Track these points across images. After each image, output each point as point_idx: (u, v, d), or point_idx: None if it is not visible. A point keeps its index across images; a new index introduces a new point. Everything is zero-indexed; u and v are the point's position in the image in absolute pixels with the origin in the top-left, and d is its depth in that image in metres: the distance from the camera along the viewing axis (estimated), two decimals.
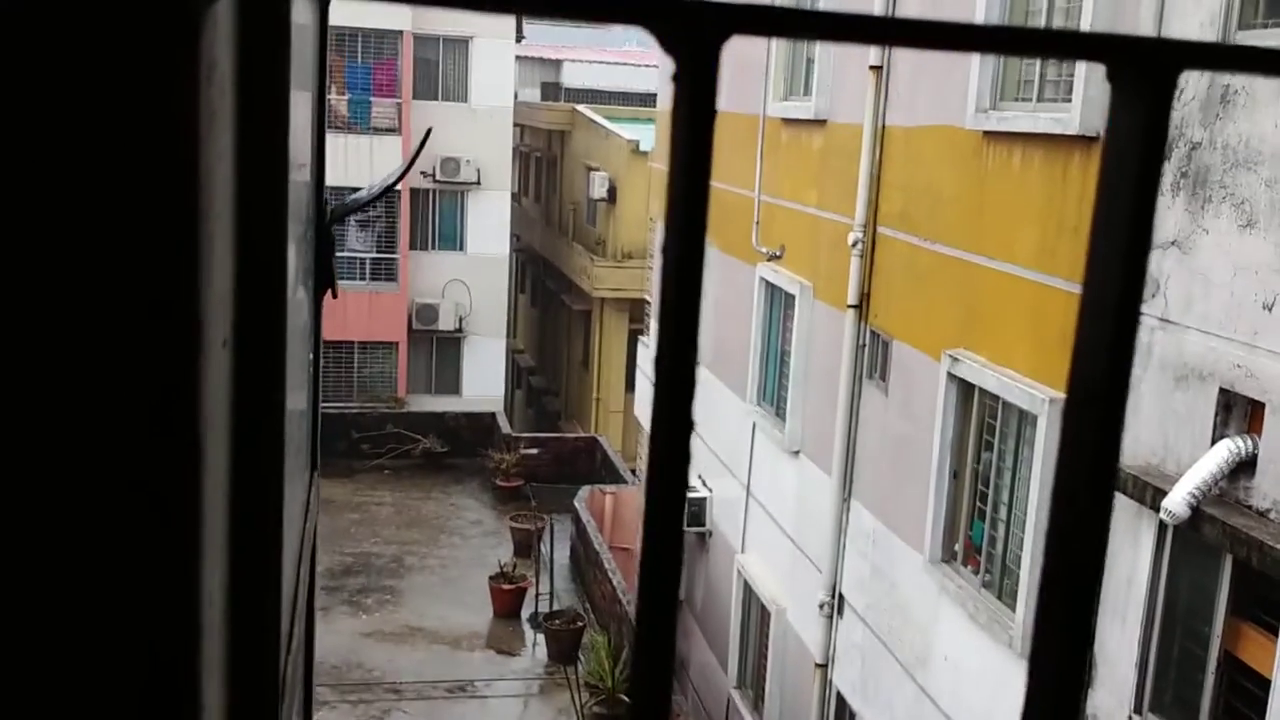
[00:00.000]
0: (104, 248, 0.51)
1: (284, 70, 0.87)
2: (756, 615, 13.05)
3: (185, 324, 0.53)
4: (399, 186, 25.31)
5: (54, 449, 0.54)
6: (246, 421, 0.82)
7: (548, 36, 49.41)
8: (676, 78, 0.38)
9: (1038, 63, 8.16)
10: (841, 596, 10.93)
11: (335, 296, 1.87)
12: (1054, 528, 0.45)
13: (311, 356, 1.93)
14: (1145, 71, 0.38)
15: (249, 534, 0.86)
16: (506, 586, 17.70)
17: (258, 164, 0.79)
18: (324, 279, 1.82)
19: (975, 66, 8.58)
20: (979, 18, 8.56)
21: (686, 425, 0.40)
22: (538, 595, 17.62)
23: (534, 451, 23.17)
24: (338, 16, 23.83)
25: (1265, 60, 0.40)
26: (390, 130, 25.52)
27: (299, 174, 1.44)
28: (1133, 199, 0.39)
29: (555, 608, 17.36)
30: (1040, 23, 8.14)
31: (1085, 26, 7.33)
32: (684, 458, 0.40)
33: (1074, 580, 0.44)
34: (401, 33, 25.40)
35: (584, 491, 19.93)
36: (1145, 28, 6.77)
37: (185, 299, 0.53)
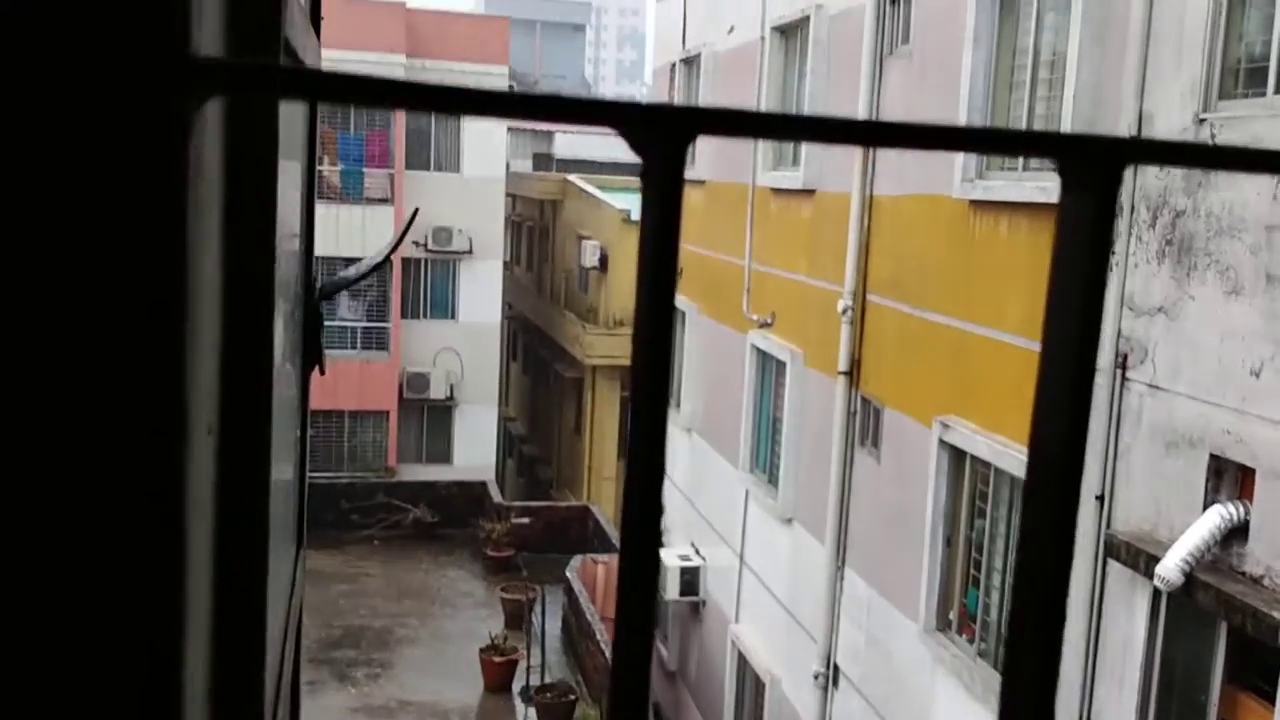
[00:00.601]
0: (87, 340, 0.52)
1: (271, 167, 0.88)
2: (751, 686, 12.90)
3: (171, 412, 0.54)
4: (390, 256, 25.45)
5: (35, 536, 0.54)
6: (231, 506, 0.82)
7: None
8: (644, 175, 0.40)
9: (1023, 130, 8.28)
10: (836, 666, 10.81)
11: (323, 373, 1.87)
12: (1021, 574, 0.46)
13: (299, 433, 1.93)
14: (1092, 168, 0.40)
15: (233, 617, 0.86)
16: (497, 659, 17.49)
17: (244, 253, 0.80)
18: (312, 356, 1.82)
19: None
20: (964, 90, 8.70)
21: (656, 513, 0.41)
22: (529, 667, 17.40)
23: (525, 520, 23.03)
24: None
25: (1207, 156, 0.42)
26: (383, 201, 25.73)
27: (287, 250, 1.45)
28: (1083, 288, 0.40)
29: (547, 680, 17.14)
30: (1025, 90, 8.28)
31: (1069, 97, 7.45)
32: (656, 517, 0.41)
33: (1041, 620, 0.45)
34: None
35: (576, 561, 19.79)
36: (1128, 96, 6.88)
37: (170, 388, 0.54)
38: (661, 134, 0.39)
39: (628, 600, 0.42)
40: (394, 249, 2.48)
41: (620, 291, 25.50)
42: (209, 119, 0.60)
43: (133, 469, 0.54)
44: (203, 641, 0.77)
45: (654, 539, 0.43)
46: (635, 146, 0.39)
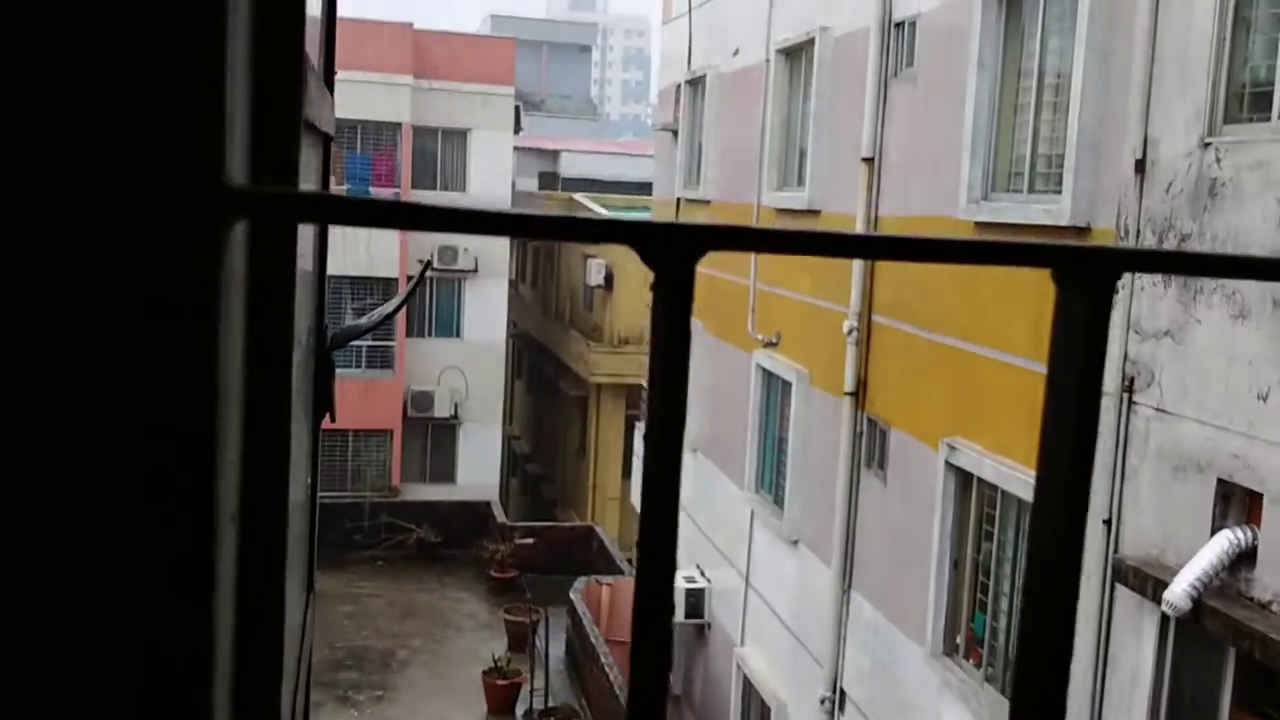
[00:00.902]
0: (129, 437, 0.56)
1: (290, 275, 0.93)
2: (757, 710, 12.83)
3: (202, 503, 0.58)
4: (397, 275, 25.51)
5: (67, 634, 0.57)
6: (250, 584, 0.85)
7: (545, 128, 50.26)
8: (654, 288, 0.43)
9: (1028, 153, 8.28)
10: (843, 691, 10.75)
11: (334, 420, 1.89)
12: (1029, 598, 0.47)
13: (309, 480, 1.92)
14: (1088, 275, 0.39)
15: (250, 685, 0.88)
16: (500, 682, 17.42)
17: (265, 362, 0.83)
18: (323, 404, 1.83)
19: (967, 158, 8.70)
20: (968, 113, 8.70)
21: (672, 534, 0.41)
22: (532, 691, 17.32)
23: (529, 541, 22.98)
24: (338, 109, 24.20)
25: (1198, 264, 0.41)
26: None
27: (305, 310, 1.47)
28: (1079, 390, 0.40)
29: (550, 704, 17.06)
30: (1029, 114, 8.27)
31: (1073, 120, 7.45)
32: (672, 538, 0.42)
33: (1049, 642, 0.47)
34: (400, 125, 25.82)
35: (580, 583, 19.72)
36: (1132, 120, 6.87)
37: (203, 481, 0.58)
38: (672, 250, 0.41)
39: (643, 630, 0.43)
40: (404, 302, 2.52)
41: (625, 310, 25.52)
42: (235, 237, 0.64)
43: (168, 553, 0.58)
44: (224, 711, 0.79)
45: (668, 579, 0.44)
46: (647, 260, 0.42)
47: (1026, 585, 0.46)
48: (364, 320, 2.66)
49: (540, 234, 0.42)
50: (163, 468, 0.56)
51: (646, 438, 0.43)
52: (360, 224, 0.42)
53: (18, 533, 0.55)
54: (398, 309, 2.60)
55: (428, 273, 26.41)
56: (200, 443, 0.57)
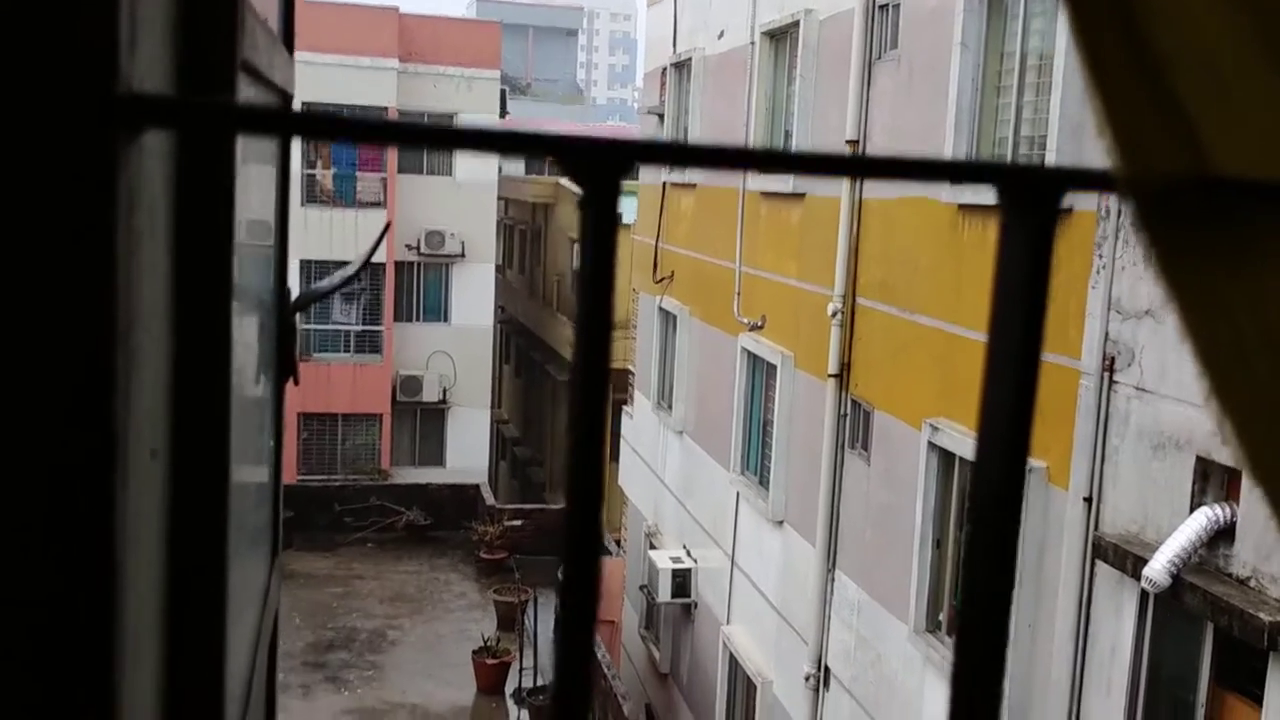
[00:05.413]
0: (12, 368, 0.53)
1: (227, 202, 0.91)
2: (742, 688, 12.92)
3: (100, 438, 0.55)
4: (384, 260, 25.43)
5: None
6: (185, 526, 0.84)
7: (531, 112, 50.06)
8: (582, 204, 0.44)
9: (1011, 134, 8.33)
10: (827, 668, 10.84)
11: (297, 383, 1.90)
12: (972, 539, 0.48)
13: (273, 442, 1.95)
14: (1033, 194, 0.42)
15: (188, 633, 0.87)
16: (490, 661, 17.49)
17: (198, 278, 0.82)
18: (286, 367, 1.84)
19: (949, 139, 8.74)
20: (952, 94, 8.74)
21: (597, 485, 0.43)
22: (522, 669, 17.40)
23: (518, 523, 23.03)
24: (324, 94, 24.10)
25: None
26: (375, 204, 25.72)
27: (258, 260, 1.47)
28: (1024, 308, 0.43)
29: (539, 682, 17.14)
30: (1012, 95, 8.32)
31: (1056, 101, 7.49)
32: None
33: (991, 587, 0.48)
34: (386, 109, 25.71)
35: None
36: None
37: (98, 414, 0.55)
38: (599, 164, 0.42)
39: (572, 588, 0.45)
40: (365, 263, 2.51)
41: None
42: (149, 145, 0.62)
43: (59, 496, 0.55)
44: (151, 659, 0.77)
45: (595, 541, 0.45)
46: (574, 177, 0.42)
47: (972, 518, 0.49)
48: (325, 282, 2.67)
49: (467, 147, 0.43)
50: (52, 394, 0.53)
51: (572, 359, 0.44)
52: (272, 134, 0.42)
53: None
54: (359, 270, 2.59)
55: (416, 258, 26.37)
56: (94, 369, 0.54)
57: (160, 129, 0.48)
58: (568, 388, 0.43)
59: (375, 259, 25.13)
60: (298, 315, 2.09)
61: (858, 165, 0.44)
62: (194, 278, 0.82)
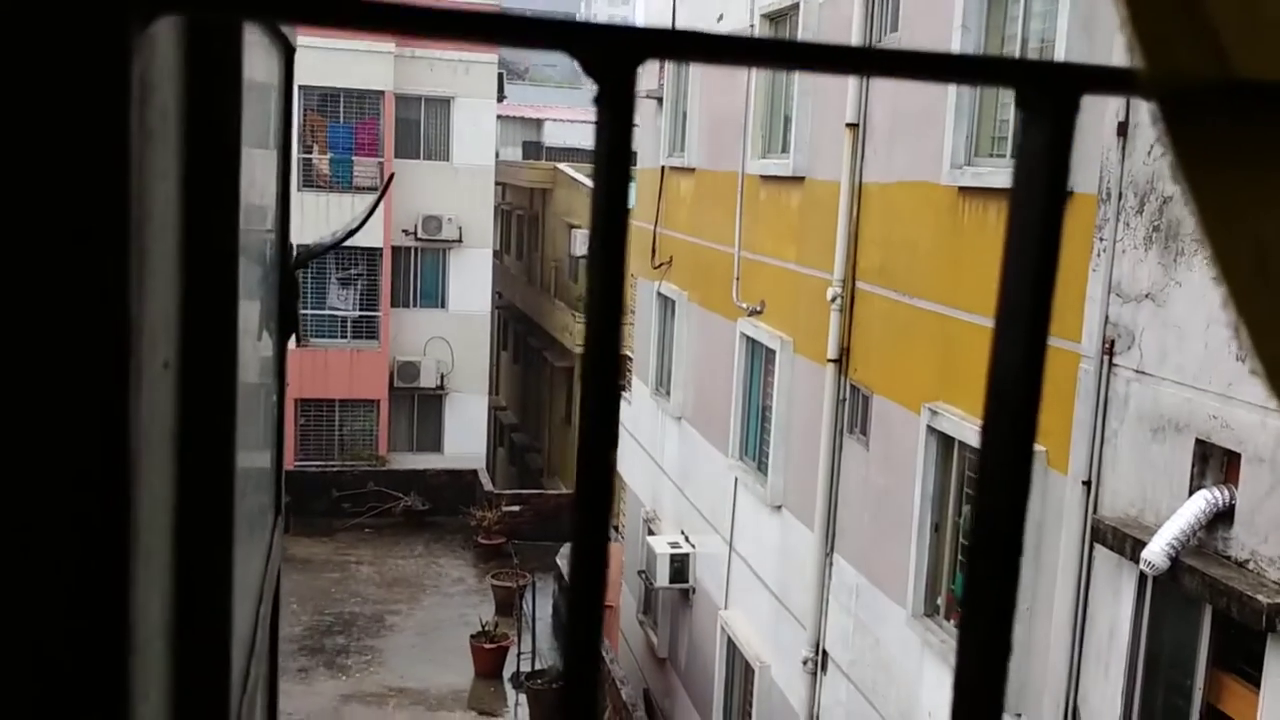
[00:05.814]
0: (25, 259, 0.51)
1: (235, 108, 0.89)
2: (740, 672, 12.94)
3: (114, 342, 0.53)
4: (381, 245, 25.38)
5: None
6: (192, 435, 0.83)
7: (529, 96, 49.92)
8: (598, 99, 0.41)
9: (1011, 119, 8.29)
10: (825, 653, 10.85)
11: (299, 343, 1.89)
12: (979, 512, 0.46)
13: (275, 398, 1.94)
14: (1050, 94, 0.41)
15: (196, 558, 0.86)
16: (488, 646, 17.51)
17: (207, 185, 0.81)
18: (288, 324, 1.83)
19: (950, 124, 8.71)
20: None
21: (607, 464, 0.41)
22: (519, 654, 17.43)
23: (516, 509, 23.05)
24: (320, 78, 24.04)
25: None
26: (372, 188, 25.65)
27: (261, 211, 1.46)
28: (1041, 215, 0.41)
29: (537, 667, 17.17)
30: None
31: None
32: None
33: (999, 554, 0.46)
34: (383, 93, 25.63)
35: (566, 548, 19.79)
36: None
37: (113, 317, 0.53)
38: (614, 56, 0.40)
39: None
40: (369, 215, 2.50)
41: None
42: (161, 52, 0.60)
43: (77, 395, 0.53)
44: (159, 585, 0.76)
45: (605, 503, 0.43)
46: (587, 69, 0.40)
47: (980, 480, 0.47)
48: (327, 237, 2.67)
49: (471, 35, 0.40)
50: (63, 294, 0.52)
51: (589, 257, 0.42)
52: (278, 17, 0.40)
53: None
54: (360, 225, 2.57)
55: (413, 239, 26.31)
56: (108, 266, 0.52)
57: (172, 13, 0.46)
58: (585, 315, 0.41)
59: (370, 244, 25.09)
60: (299, 272, 2.08)
61: (868, 59, 0.42)
62: (204, 177, 0.80)
